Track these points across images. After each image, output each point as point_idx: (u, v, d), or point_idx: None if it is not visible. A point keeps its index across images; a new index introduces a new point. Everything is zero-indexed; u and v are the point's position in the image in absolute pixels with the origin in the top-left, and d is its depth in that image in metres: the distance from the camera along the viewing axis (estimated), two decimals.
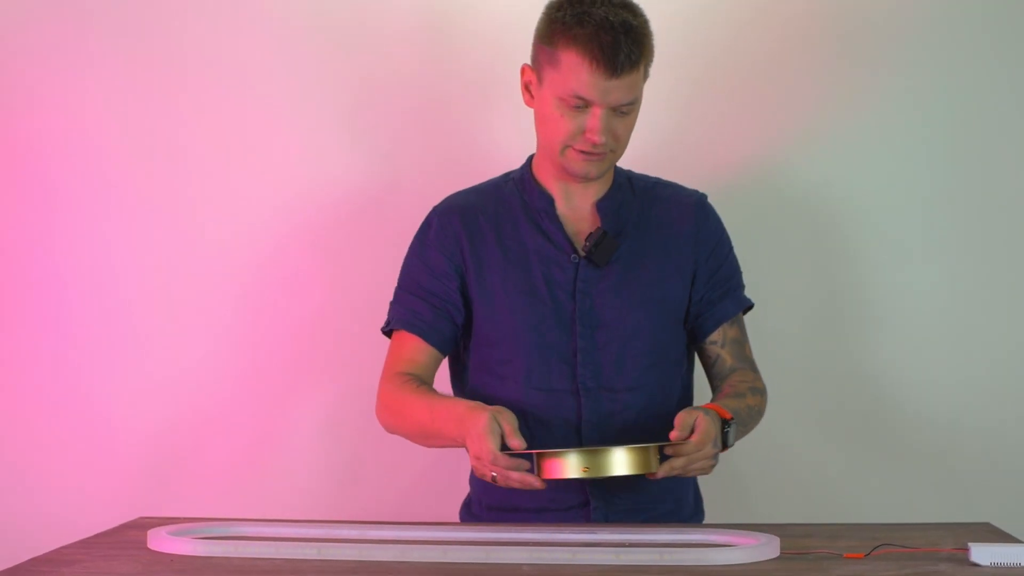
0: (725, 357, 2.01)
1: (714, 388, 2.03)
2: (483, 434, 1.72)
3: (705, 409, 1.81)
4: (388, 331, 2.04)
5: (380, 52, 2.49)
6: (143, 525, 1.75)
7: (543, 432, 1.94)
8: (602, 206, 1.99)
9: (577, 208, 2.00)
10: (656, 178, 2.08)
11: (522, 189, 2.02)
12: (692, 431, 1.76)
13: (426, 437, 1.92)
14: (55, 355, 2.54)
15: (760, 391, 1.99)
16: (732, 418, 1.84)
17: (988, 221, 2.45)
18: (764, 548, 1.54)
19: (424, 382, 1.96)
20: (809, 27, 2.45)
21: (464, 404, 1.82)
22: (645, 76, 1.91)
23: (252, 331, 2.52)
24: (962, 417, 2.45)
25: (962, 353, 2.45)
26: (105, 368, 2.53)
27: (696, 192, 2.07)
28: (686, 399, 2.06)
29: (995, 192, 2.44)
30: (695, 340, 2.03)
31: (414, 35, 2.49)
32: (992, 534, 1.72)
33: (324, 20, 2.49)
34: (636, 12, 1.88)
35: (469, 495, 2.09)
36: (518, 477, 1.72)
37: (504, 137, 2.45)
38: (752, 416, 1.95)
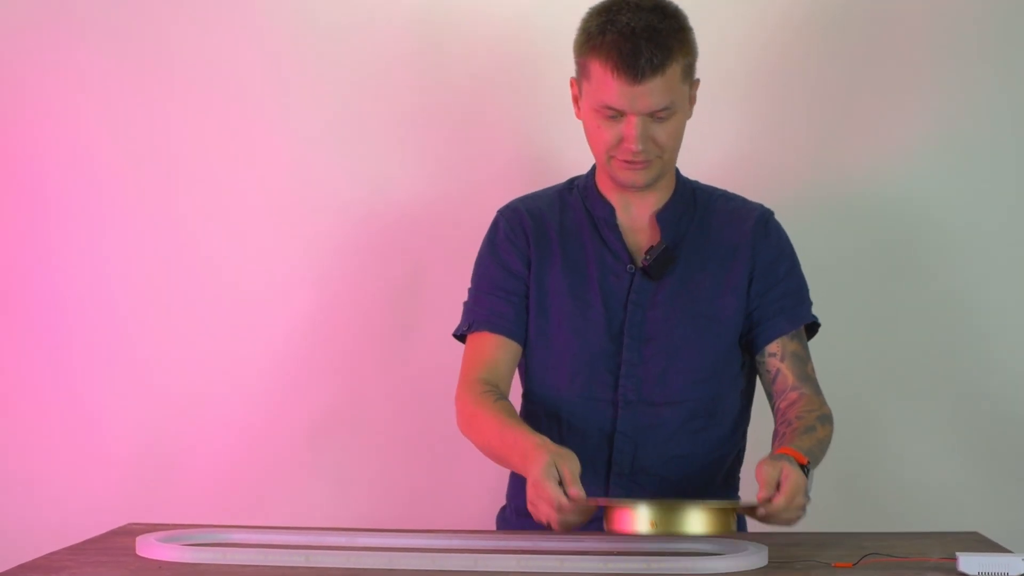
0: (786, 373, 1.92)
1: (774, 408, 1.93)
2: (541, 480, 1.63)
3: (781, 455, 1.68)
4: (462, 335, 2.00)
5: (372, 58, 2.49)
6: (132, 531, 1.75)
7: (575, 439, 1.91)
8: (661, 217, 1.97)
9: (636, 218, 1.98)
10: (723, 191, 2.03)
11: (585, 197, 2.00)
12: (778, 486, 1.62)
13: (495, 458, 1.88)
14: (45, 360, 2.54)
15: (828, 418, 1.87)
16: (809, 463, 1.71)
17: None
18: (752, 557, 1.54)
19: (502, 392, 1.92)
20: (877, 29, 2.44)
21: (532, 440, 1.73)
22: (685, 78, 1.86)
23: (243, 337, 2.52)
24: None
25: (981, 353, 2.45)
26: (95, 374, 2.52)
27: (760, 206, 2.01)
28: (743, 420, 2.03)
29: None
30: (751, 354, 1.96)
31: (407, 41, 2.49)
32: (981, 543, 1.72)
33: (316, 26, 2.50)
34: (667, 14, 1.85)
35: (505, 503, 2.08)
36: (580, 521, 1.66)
37: (499, 145, 2.46)
38: (824, 450, 1.83)
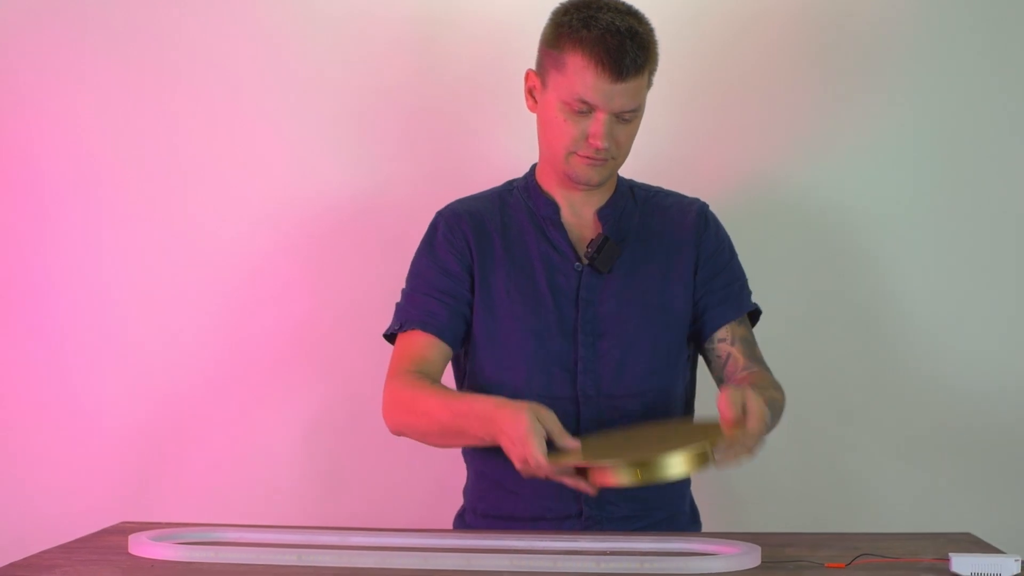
0: (737, 356, 1.97)
1: None
2: (527, 438, 1.65)
3: (739, 385, 1.74)
4: (393, 334, 2.00)
5: (369, 57, 2.49)
6: (125, 530, 1.74)
7: None
8: (603, 214, 2.00)
9: (580, 216, 2.01)
10: (657, 187, 2.08)
11: (527, 197, 2.02)
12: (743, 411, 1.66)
13: (444, 436, 1.87)
14: (39, 358, 2.53)
15: (780, 388, 1.94)
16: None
17: (995, 224, 2.45)
18: (745, 557, 1.54)
19: (435, 380, 1.93)
20: (810, 31, 2.45)
21: (491, 401, 1.77)
22: (649, 84, 1.92)
23: (237, 336, 2.52)
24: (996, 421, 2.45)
25: (974, 354, 2.46)
26: (89, 372, 2.52)
27: (697, 200, 2.07)
28: (689, 411, 2.05)
29: (1003, 194, 2.44)
30: (700, 342, 2.01)
31: (404, 43, 2.49)
32: (974, 544, 1.72)
33: (315, 27, 2.50)
34: (642, 20, 1.90)
35: (463, 505, 2.07)
36: (572, 483, 1.67)
37: (493, 144, 2.46)
38: (776, 412, 1.87)
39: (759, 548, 1.57)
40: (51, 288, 2.53)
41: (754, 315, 2.05)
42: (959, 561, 1.51)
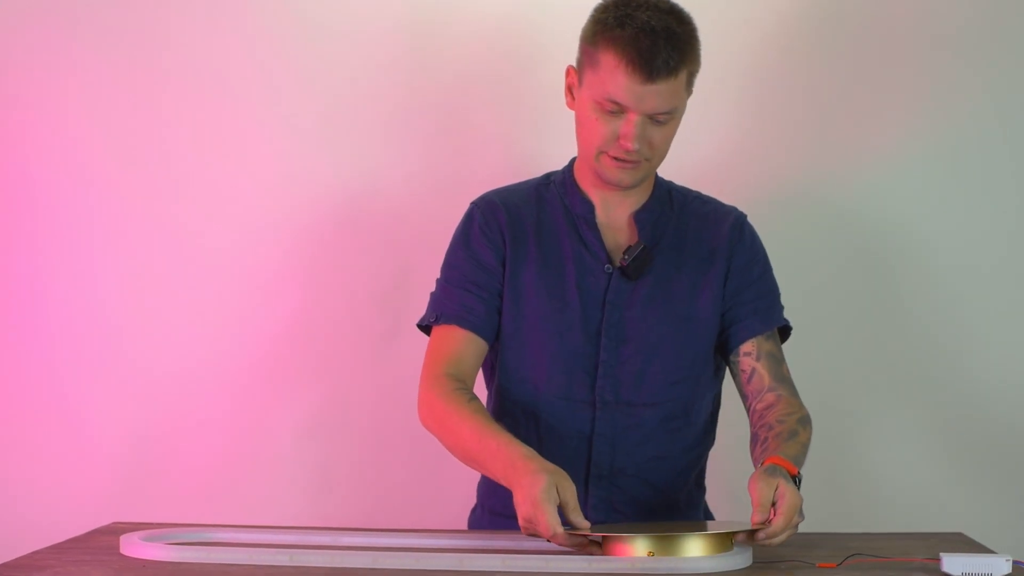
0: (762, 373, 1.91)
1: (748, 409, 1.92)
2: (540, 503, 1.59)
3: (773, 468, 1.64)
4: (427, 326, 1.97)
5: (361, 56, 2.49)
6: (116, 531, 1.74)
7: (554, 440, 1.91)
8: (639, 218, 1.96)
9: (614, 218, 1.97)
10: (697, 192, 2.03)
11: (563, 193, 1.99)
12: (773, 505, 1.59)
13: (466, 460, 1.84)
14: (30, 358, 2.53)
15: (807, 420, 1.84)
16: (799, 473, 1.69)
17: (1014, 227, 2.45)
18: (736, 557, 1.54)
19: (469, 388, 1.89)
20: (837, 33, 2.45)
21: (518, 450, 1.71)
22: (688, 86, 1.86)
23: (229, 336, 2.51)
24: None
25: (965, 356, 2.47)
26: (80, 373, 2.52)
27: (735, 209, 2.01)
28: (713, 423, 2.03)
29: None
30: (726, 355, 1.95)
31: (397, 39, 2.49)
32: (965, 544, 1.73)
33: (305, 25, 2.49)
34: (682, 19, 1.83)
35: (476, 502, 2.06)
36: (576, 550, 1.63)
37: (486, 143, 2.46)
38: (806, 452, 1.80)
39: (750, 548, 1.58)
40: (42, 287, 2.52)
41: (785, 332, 1.98)
42: (950, 561, 1.51)
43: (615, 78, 1.80)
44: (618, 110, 1.82)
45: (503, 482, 1.72)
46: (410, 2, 2.48)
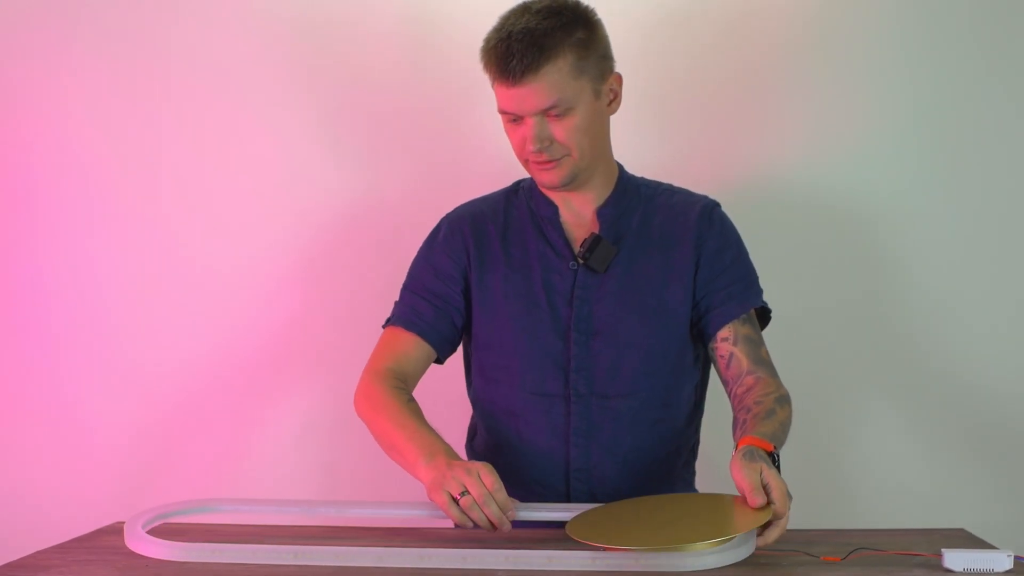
0: (740, 357, 1.91)
1: (730, 394, 1.91)
2: (435, 495, 1.71)
3: (751, 450, 1.65)
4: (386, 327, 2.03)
5: (361, 58, 2.49)
6: (119, 530, 1.75)
7: (533, 436, 1.94)
8: (602, 213, 1.98)
9: (579, 215, 1.99)
10: (668, 185, 2.04)
11: (529, 197, 2.02)
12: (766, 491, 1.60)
13: (389, 452, 1.89)
14: (32, 358, 2.54)
15: (786, 399, 1.85)
16: (775, 450, 1.70)
17: (1005, 220, 2.45)
18: (738, 551, 1.54)
19: (409, 389, 1.95)
20: (810, 26, 2.44)
21: (443, 446, 1.80)
22: (579, 74, 1.84)
23: (232, 335, 2.52)
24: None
25: (968, 352, 2.46)
26: (83, 372, 2.52)
27: (704, 198, 2.02)
28: (697, 414, 2.04)
29: (1010, 191, 2.44)
30: (705, 342, 1.96)
31: (397, 41, 2.49)
32: (967, 540, 1.73)
33: (306, 26, 2.50)
34: (553, 13, 1.84)
35: None
36: (497, 521, 1.69)
37: (486, 144, 2.46)
38: (786, 431, 1.81)
39: (753, 538, 1.58)
40: (45, 287, 2.53)
41: (765, 316, 1.99)
42: (952, 557, 1.52)
43: (496, 90, 1.87)
44: (515, 117, 1.87)
45: (413, 465, 1.79)
46: (410, 2, 2.48)
